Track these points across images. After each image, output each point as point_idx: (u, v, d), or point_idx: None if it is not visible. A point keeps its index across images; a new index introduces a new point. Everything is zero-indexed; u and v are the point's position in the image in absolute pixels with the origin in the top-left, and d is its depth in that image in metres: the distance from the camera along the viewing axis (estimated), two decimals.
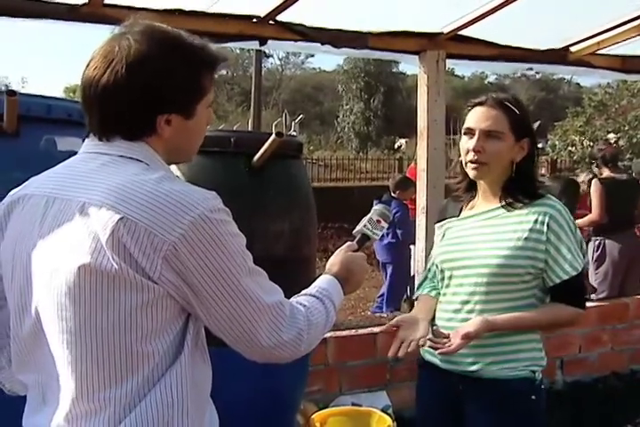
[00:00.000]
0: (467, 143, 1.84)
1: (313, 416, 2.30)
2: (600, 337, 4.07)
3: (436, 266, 1.99)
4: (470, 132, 1.83)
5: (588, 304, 4.15)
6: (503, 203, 1.85)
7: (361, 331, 3.40)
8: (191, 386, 1.11)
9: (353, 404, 3.07)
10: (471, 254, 1.86)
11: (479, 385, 1.83)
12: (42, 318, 1.10)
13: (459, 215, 1.97)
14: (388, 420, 2.26)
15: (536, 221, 1.79)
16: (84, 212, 1.06)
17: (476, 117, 1.83)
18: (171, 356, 1.09)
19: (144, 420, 1.06)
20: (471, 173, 1.86)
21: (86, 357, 1.06)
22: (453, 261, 1.91)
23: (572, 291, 1.82)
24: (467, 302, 1.86)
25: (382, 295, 6.44)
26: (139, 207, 1.03)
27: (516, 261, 1.78)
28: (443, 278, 1.95)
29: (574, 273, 1.77)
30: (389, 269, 6.39)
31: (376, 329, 3.42)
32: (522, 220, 1.81)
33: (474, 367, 1.83)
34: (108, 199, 1.04)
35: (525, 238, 1.79)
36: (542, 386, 1.87)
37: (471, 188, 1.95)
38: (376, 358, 3.34)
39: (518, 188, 1.84)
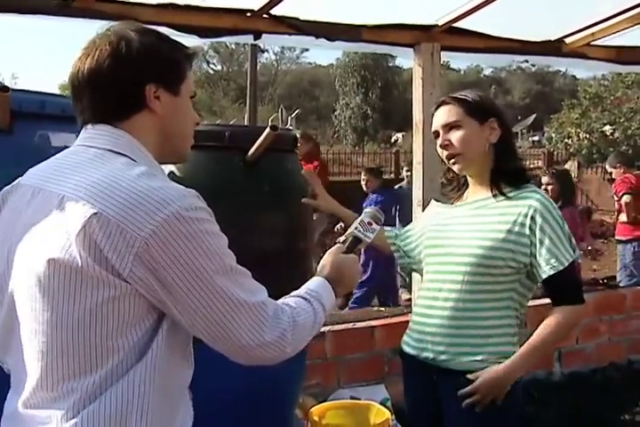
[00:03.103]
0: (437, 145, 1.92)
1: (311, 410, 2.31)
2: (597, 328, 4.09)
3: (421, 252, 2.05)
4: (437, 133, 1.93)
5: (587, 295, 4.19)
6: (495, 192, 1.87)
7: (359, 324, 3.41)
8: (159, 384, 1.10)
9: (351, 397, 3.07)
10: (453, 242, 1.88)
11: (451, 376, 1.84)
12: (17, 307, 1.12)
13: (452, 204, 2.01)
14: (387, 413, 2.27)
15: (520, 214, 1.79)
16: (61, 205, 1.06)
17: (436, 119, 1.93)
18: (137, 353, 1.09)
19: (100, 414, 1.06)
20: (455, 169, 1.91)
21: (52, 347, 1.07)
22: (436, 248, 1.94)
23: (564, 286, 1.81)
24: (441, 290, 1.88)
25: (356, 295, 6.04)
26: (113, 203, 1.03)
27: (496, 252, 1.79)
28: (424, 265, 2.00)
29: (561, 267, 1.76)
30: (371, 266, 6.01)
31: (374, 323, 3.43)
32: (506, 211, 1.82)
33: (443, 357, 1.85)
34: (85, 194, 1.05)
35: (508, 231, 1.79)
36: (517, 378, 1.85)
37: (460, 189, 2.00)
38: (374, 351, 3.35)
39: (504, 169, 1.87)
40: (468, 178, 1.96)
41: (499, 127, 1.87)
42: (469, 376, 1.79)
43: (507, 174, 1.87)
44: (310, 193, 2.11)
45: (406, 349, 1.98)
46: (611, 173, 6.65)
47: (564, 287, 1.81)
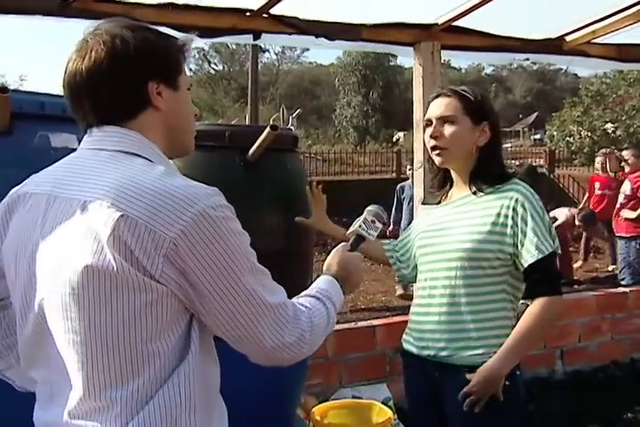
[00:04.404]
0: (427, 133, 1.93)
1: (313, 410, 2.30)
2: (600, 327, 4.08)
3: (407, 249, 2.09)
4: (429, 122, 1.93)
5: (589, 294, 4.19)
6: (473, 190, 1.90)
7: (360, 324, 3.41)
8: (199, 384, 1.09)
9: (353, 397, 3.07)
10: (442, 240, 1.90)
11: (452, 372, 1.84)
12: (47, 318, 1.09)
13: (439, 203, 2.03)
14: (389, 412, 2.26)
15: (502, 206, 1.82)
16: (84, 210, 1.04)
17: (433, 108, 1.92)
18: (176, 355, 1.08)
19: (152, 420, 1.05)
20: (436, 160, 1.93)
21: (92, 356, 1.05)
22: (427, 247, 1.96)
23: (542, 274, 1.81)
24: (436, 287, 1.90)
25: None
26: (139, 204, 1.02)
27: (484, 245, 1.81)
28: (418, 266, 2.01)
29: (540, 256, 1.77)
30: None
31: (375, 322, 3.43)
32: (489, 205, 1.85)
33: (445, 353, 1.86)
34: (108, 197, 1.03)
35: (493, 223, 1.82)
36: (518, 372, 1.85)
37: (445, 182, 2.02)
38: (375, 350, 3.35)
39: (484, 172, 1.89)
40: (452, 174, 1.98)
41: (489, 131, 1.89)
42: (468, 377, 1.80)
43: (485, 177, 1.89)
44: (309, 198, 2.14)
45: (407, 347, 1.99)
46: (622, 166, 6.64)
47: (543, 277, 1.82)
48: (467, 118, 1.87)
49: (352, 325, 3.39)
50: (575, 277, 7.62)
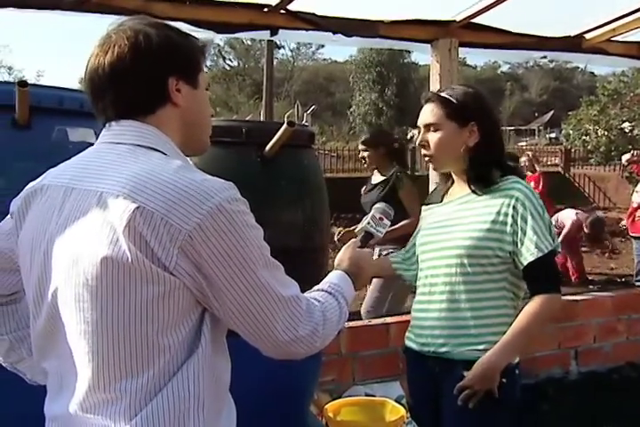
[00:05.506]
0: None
1: (326, 406, 2.30)
2: (615, 327, 4.05)
3: (414, 252, 2.09)
4: (419, 129, 1.95)
5: (604, 294, 4.16)
6: (472, 188, 1.91)
7: (374, 321, 3.40)
8: (209, 379, 1.10)
9: (366, 394, 3.07)
10: (443, 237, 1.92)
11: (451, 367, 1.85)
12: (60, 309, 1.10)
13: (441, 201, 2.04)
14: (402, 410, 2.25)
15: (503, 204, 1.83)
16: (101, 202, 1.05)
17: (420, 116, 1.94)
18: (186, 348, 1.08)
19: (159, 413, 1.05)
20: (431, 167, 1.98)
21: (103, 348, 1.06)
22: (428, 244, 1.97)
23: (541, 273, 1.82)
24: (436, 284, 1.91)
25: None
26: (155, 197, 1.03)
27: (484, 242, 1.82)
28: (420, 262, 2.01)
29: (540, 254, 1.78)
30: None
31: (389, 319, 3.42)
32: (490, 203, 1.86)
33: (444, 349, 1.87)
34: (124, 189, 1.04)
35: (493, 221, 1.83)
36: (517, 371, 1.86)
37: (449, 176, 2.03)
38: (389, 348, 3.34)
39: (479, 172, 1.89)
40: (452, 173, 1.99)
41: (478, 131, 1.88)
42: (465, 374, 1.81)
43: (481, 177, 1.89)
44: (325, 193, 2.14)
45: (409, 344, 2.01)
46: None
47: (542, 275, 1.83)
48: (451, 123, 1.87)
49: (366, 322, 3.38)
50: (589, 278, 7.56)
